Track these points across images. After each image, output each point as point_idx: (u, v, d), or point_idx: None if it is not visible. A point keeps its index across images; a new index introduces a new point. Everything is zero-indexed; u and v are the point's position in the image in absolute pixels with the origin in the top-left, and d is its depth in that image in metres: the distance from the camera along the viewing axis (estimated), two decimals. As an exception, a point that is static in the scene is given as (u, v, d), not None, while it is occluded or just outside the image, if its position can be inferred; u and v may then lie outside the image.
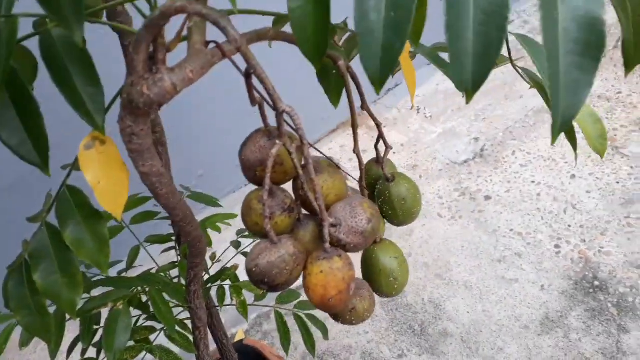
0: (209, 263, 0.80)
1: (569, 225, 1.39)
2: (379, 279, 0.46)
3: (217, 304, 0.77)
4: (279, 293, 0.75)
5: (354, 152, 0.45)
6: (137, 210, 0.72)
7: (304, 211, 0.42)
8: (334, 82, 0.44)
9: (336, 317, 0.43)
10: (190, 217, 0.42)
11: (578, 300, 1.23)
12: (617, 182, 1.47)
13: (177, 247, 0.72)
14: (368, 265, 0.46)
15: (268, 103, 0.34)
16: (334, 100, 0.45)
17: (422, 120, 1.83)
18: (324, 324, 0.79)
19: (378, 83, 0.27)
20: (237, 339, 1.13)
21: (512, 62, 0.48)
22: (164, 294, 0.59)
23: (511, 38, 0.48)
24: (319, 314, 0.84)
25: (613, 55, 1.87)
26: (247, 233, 0.81)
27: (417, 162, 1.68)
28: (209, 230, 0.76)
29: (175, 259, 0.74)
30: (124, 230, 0.71)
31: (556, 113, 0.26)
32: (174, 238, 0.73)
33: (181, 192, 0.77)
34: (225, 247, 0.86)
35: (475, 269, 1.34)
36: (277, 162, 0.40)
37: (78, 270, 0.41)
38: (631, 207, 1.40)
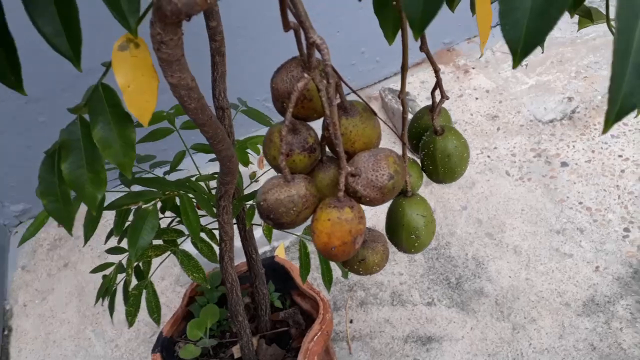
0: (248, 181, 0.82)
1: (647, 211, 1.28)
2: (399, 233, 0.46)
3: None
4: (306, 225, 0.76)
5: (399, 97, 0.44)
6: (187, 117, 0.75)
7: (329, 153, 0.42)
8: (391, 16, 0.41)
9: (344, 263, 0.44)
10: (222, 136, 0.43)
11: (632, 290, 1.16)
12: None
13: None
14: (392, 217, 0.46)
15: (304, 29, 0.33)
16: (389, 36, 0.42)
17: (517, 68, 1.69)
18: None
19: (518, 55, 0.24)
20: (276, 252, 1.19)
21: (608, 21, 0.43)
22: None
23: None
24: None
25: None
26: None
27: (499, 112, 1.59)
28: (249, 151, 0.78)
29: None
30: (173, 133, 0.74)
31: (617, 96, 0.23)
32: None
33: (236, 105, 0.78)
34: (267, 169, 0.89)
35: (530, 235, 1.29)
36: (307, 97, 0.38)
37: (103, 168, 0.43)
38: None
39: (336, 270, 1.23)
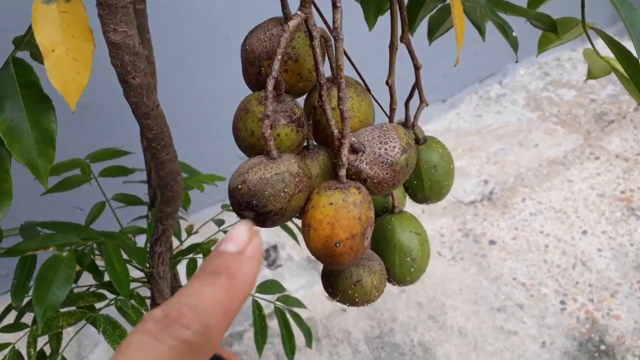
0: (184, 235, 0.69)
1: (577, 282, 1.29)
2: (391, 257, 0.36)
3: (184, 282, 0.66)
4: (259, 283, 0.64)
5: (387, 82, 0.36)
6: (109, 163, 0.63)
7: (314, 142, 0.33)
8: None
9: (334, 288, 0.33)
10: (167, 139, 0.33)
11: (581, 364, 1.12)
12: (632, 244, 1.37)
13: (149, 213, 0.62)
14: (380, 239, 0.37)
15: None
16: (370, 17, 0.36)
17: None
18: (309, 329, 0.67)
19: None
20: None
21: (584, 25, 0.40)
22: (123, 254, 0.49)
23: None
24: (305, 313, 0.73)
25: (633, 117, 1.81)
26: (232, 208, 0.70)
27: (421, 196, 1.60)
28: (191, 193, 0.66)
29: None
30: (90, 181, 0.62)
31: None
32: (147, 202, 0.64)
33: None
34: (205, 222, 0.76)
35: (472, 315, 1.23)
36: (291, 57, 0.30)
37: (8, 173, 0.31)
38: (645, 272, 1.30)
39: (299, 337, 1.07)
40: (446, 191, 0.41)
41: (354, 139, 0.28)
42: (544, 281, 1.30)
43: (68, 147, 0.81)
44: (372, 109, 0.33)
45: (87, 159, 0.63)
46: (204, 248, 0.62)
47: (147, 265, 0.48)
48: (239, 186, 0.26)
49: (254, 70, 0.30)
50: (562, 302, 1.25)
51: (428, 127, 1.85)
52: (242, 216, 0.27)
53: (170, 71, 1.19)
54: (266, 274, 1.35)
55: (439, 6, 0.48)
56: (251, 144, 0.29)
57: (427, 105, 0.41)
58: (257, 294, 0.65)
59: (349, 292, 0.32)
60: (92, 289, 0.57)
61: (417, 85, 0.40)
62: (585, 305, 1.24)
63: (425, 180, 0.39)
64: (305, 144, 0.32)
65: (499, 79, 2.01)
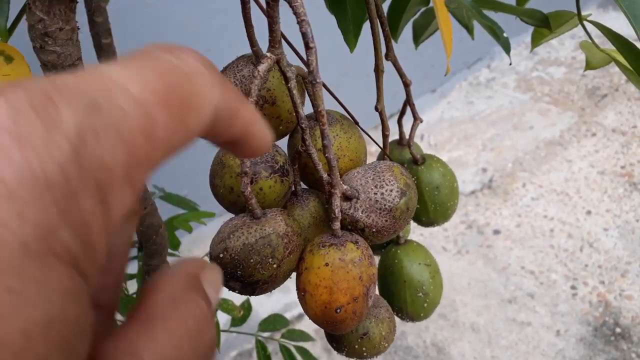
0: None
1: (586, 265, 1.27)
2: (402, 294, 0.34)
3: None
4: (262, 319, 0.62)
5: (376, 108, 0.34)
6: None
7: (303, 186, 0.30)
8: (351, 11, 0.33)
9: (339, 343, 0.30)
10: (144, 192, 0.30)
11: (598, 349, 1.10)
12: (637, 220, 1.35)
13: (140, 254, 0.59)
14: (388, 275, 0.35)
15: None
16: (350, 38, 0.33)
17: (426, 148, 1.72)
18: (316, 365, 0.65)
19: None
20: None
21: (580, 17, 0.37)
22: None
23: None
24: (313, 347, 0.71)
25: (626, 89, 1.79)
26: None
27: (420, 191, 1.57)
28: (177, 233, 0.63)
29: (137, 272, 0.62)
30: None
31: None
32: (136, 243, 0.61)
33: (153, 192, 0.64)
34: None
35: (483, 309, 1.21)
36: (267, 100, 0.27)
37: None
38: (654, 248, 1.28)
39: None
40: (452, 211, 0.39)
41: (345, 186, 0.26)
42: (553, 267, 1.28)
43: None
44: (362, 143, 0.30)
45: None
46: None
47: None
48: (221, 255, 0.24)
49: None
50: (573, 287, 1.23)
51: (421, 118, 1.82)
52: (228, 287, 0.24)
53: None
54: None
55: (422, 10, 0.46)
56: (232, 201, 0.27)
57: (421, 121, 0.39)
58: (260, 333, 0.63)
59: (356, 346, 0.29)
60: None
61: (408, 102, 0.37)
62: (596, 288, 1.22)
63: (429, 203, 0.37)
64: (293, 189, 0.29)
65: (487, 62, 1.98)
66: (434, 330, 1.18)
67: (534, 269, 1.28)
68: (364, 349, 0.29)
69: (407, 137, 0.39)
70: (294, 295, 1.32)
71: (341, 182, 0.25)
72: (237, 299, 0.52)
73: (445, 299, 1.24)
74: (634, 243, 1.30)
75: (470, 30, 0.50)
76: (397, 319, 0.37)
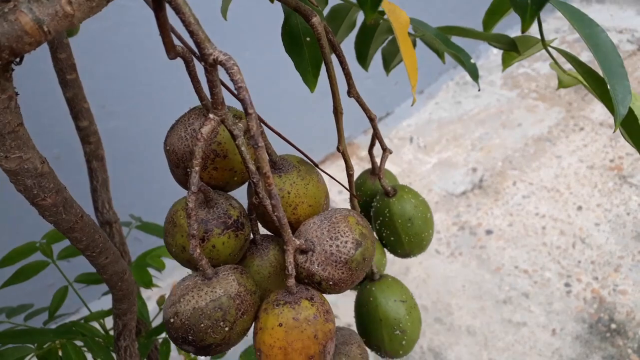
0: (155, 309, 0.66)
1: (579, 262, 1.27)
2: (378, 332, 0.34)
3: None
4: (242, 351, 0.62)
5: (338, 149, 0.34)
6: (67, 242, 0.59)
7: (262, 230, 0.30)
8: (308, 52, 0.33)
9: None
10: (103, 245, 0.30)
11: (594, 346, 1.10)
12: (628, 214, 1.36)
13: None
14: (364, 313, 0.34)
15: (196, 55, 0.23)
16: (309, 78, 0.33)
17: (415, 150, 1.72)
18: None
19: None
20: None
21: (544, 42, 0.37)
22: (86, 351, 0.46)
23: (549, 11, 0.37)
24: None
25: (612, 81, 1.79)
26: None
27: (412, 194, 1.57)
28: (151, 270, 0.63)
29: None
30: (48, 266, 0.58)
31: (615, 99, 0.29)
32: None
33: (129, 222, 0.64)
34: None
35: (479, 311, 1.21)
36: (219, 154, 0.27)
37: None
38: (645, 241, 1.29)
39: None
40: (427, 242, 0.39)
41: (299, 240, 0.26)
42: (546, 265, 1.28)
43: (22, 229, 0.77)
44: (321, 188, 0.30)
45: (43, 240, 0.59)
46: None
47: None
48: (172, 320, 0.24)
49: (180, 172, 0.28)
50: (567, 285, 1.23)
51: (410, 121, 1.82)
52: (182, 349, 0.24)
53: (123, 111, 1.16)
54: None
55: (390, 38, 0.45)
56: (186, 259, 0.27)
57: (390, 152, 0.39)
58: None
59: None
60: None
61: (375, 135, 0.37)
62: (590, 284, 1.22)
63: (402, 236, 0.37)
64: (252, 237, 0.29)
65: (473, 61, 1.98)
66: (430, 335, 1.19)
67: (528, 268, 1.28)
68: None
69: (378, 166, 0.39)
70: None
71: (293, 238, 0.25)
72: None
73: (441, 303, 1.25)
74: (625, 237, 1.31)
75: (440, 55, 0.50)
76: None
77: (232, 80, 0.21)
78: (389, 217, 0.36)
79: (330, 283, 0.26)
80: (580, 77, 0.38)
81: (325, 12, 0.43)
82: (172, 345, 0.60)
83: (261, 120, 0.28)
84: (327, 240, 0.26)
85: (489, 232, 1.40)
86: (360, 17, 0.44)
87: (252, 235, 0.29)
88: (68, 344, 0.45)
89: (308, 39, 0.33)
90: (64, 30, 0.48)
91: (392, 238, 0.37)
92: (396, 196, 0.37)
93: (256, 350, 0.24)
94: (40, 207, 0.25)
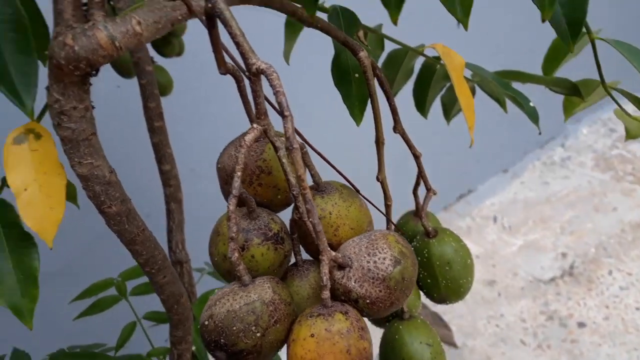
0: None
1: (691, 367, 1.12)
2: None
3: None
4: None
5: (378, 179, 0.34)
6: (141, 280, 0.62)
7: (305, 256, 0.30)
8: (356, 88, 0.34)
9: None
10: (162, 262, 0.31)
11: None
12: None
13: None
14: (389, 351, 0.34)
15: (242, 54, 0.24)
16: (356, 112, 0.35)
17: (499, 231, 1.65)
18: None
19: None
20: None
21: (603, 84, 0.35)
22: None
23: (603, 48, 0.35)
24: None
25: None
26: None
27: (495, 277, 1.49)
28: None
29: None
30: (120, 301, 0.61)
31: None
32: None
33: (202, 268, 0.66)
34: None
35: (571, 414, 1.09)
36: (263, 170, 0.28)
37: None
38: None
39: None
40: (465, 290, 0.37)
41: (335, 253, 0.25)
42: (651, 368, 1.14)
43: (96, 264, 0.82)
44: (364, 212, 0.30)
45: (119, 277, 0.63)
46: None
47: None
48: (206, 322, 0.24)
49: (229, 188, 0.28)
50: (677, 393, 1.08)
51: (493, 199, 1.76)
52: (215, 357, 0.24)
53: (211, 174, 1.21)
54: None
55: (448, 85, 0.45)
56: (227, 270, 0.27)
57: (434, 194, 0.38)
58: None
59: None
60: None
61: (420, 174, 0.37)
62: None
63: (439, 279, 0.36)
64: (293, 260, 0.29)
65: (561, 141, 1.91)
66: None
67: (629, 370, 1.15)
68: None
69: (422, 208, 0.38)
70: None
71: (329, 249, 0.25)
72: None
73: (526, 401, 1.13)
74: None
75: (502, 103, 0.49)
76: None
77: (270, 85, 0.23)
78: (427, 257, 0.36)
79: (368, 301, 0.25)
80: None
81: (382, 59, 0.45)
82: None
83: (305, 141, 0.29)
84: (364, 257, 0.25)
85: (581, 324, 1.28)
86: (418, 63, 0.45)
87: (293, 256, 0.29)
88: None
89: (357, 75, 0.34)
90: (154, 81, 0.52)
91: (428, 280, 0.36)
92: (437, 238, 0.36)
93: None
94: (106, 215, 0.27)
